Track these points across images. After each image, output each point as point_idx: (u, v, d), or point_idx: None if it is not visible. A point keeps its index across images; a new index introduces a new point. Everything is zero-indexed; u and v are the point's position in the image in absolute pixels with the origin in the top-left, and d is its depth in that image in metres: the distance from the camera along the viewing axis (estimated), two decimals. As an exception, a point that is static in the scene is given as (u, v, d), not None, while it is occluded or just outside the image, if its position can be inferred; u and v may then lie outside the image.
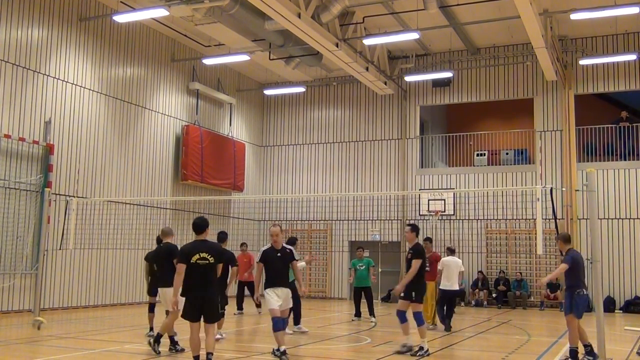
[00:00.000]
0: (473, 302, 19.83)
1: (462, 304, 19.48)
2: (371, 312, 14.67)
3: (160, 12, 15.69)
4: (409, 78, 20.84)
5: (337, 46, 16.88)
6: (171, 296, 9.19)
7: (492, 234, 20.48)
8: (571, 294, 8.97)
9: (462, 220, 20.54)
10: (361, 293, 14.97)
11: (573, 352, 8.92)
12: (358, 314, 14.93)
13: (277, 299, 8.77)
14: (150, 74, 19.23)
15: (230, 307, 12.98)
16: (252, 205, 23.09)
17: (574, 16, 16.29)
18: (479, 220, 20.29)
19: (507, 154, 22.03)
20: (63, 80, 16.28)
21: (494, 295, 19.72)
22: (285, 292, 8.91)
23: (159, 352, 9.05)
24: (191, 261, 7.55)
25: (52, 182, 15.41)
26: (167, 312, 9.45)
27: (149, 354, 9.05)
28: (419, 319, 9.56)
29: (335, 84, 23.44)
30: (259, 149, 24.38)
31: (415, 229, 9.96)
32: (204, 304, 7.58)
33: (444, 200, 20.80)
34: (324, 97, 23.85)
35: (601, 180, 19.09)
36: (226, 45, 19.66)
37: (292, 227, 22.49)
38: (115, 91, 17.94)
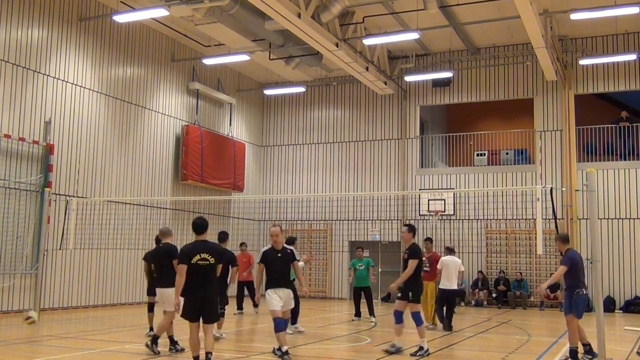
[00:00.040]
0: (473, 302, 19.84)
1: (462, 304, 19.48)
2: (371, 312, 14.67)
3: (160, 12, 15.69)
4: (409, 78, 20.84)
5: (337, 46, 16.88)
6: (169, 296, 9.22)
7: (492, 234, 20.48)
8: (571, 294, 8.97)
9: (462, 220, 20.54)
10: (361, 293, 14.99)
11: (573, 352, 8.92)
12: (358, 314, 14.94)
13: (278, 299, 8.75)
14: (150, 74, 19.23)
15: (230, 307, 12.97)
16: (252, 205, 23.10)
17: (574, 16, 16.29)
18: (479, 220, 20.29)
19: (507, 154, 22.04)
20: (63, 80, 16.28)
21: (494, 295, 19.72)
22: (287, 293, 8.89)
23: (159, 352, 9.06)
24: (192, 262, 7.55)
25: (52, 182, 15.41)
26: (165, 312, 9.44)
27: (149, 354, 9.05)
28: (417, 319, 9.57)
29: (335, 84, 23.44)
30: (259, 149, 24.38)
31: (412, 229, 9.95)
32: (204, 304, 7.57)
33: (444, 200, 20.81)
34: (324, 97, 23.85)
35: (601, 180, 19.09)
36: (226, 45, 19.66)
37: (292, 227, 22.50)
38: (115, 91, 17.94)
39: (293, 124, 24.18)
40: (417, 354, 9.32)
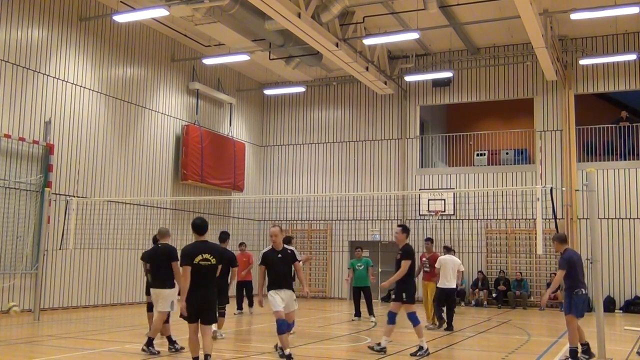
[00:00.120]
0: (473, 302, 19.83)
1: (462, 303, 19.48)
2: (371, 312, 14.66)
3: (160, 12, 15.69)
4: (409, 78, 20.84)
5: (337, 46, 16.88)
6: (165, 297, 9.22)
7: (492, 234, 20.47)
8: (570, 294, 8.95)
9: (462, 220, 20.53)
10: (360, 293, 14.98)
11: (573, 352, 8.92)
12: (358, 313, 14.94)
13: (280, 301, 8.72)
14: (150, 74, 19.23)
15: (230, 307, 12.97)
16: (252, 205, 23.09)
17: (574, 16, 16.29)
18: (479, 220, 20.29)
19: (507, 153, 22.03)
20: (63, 80, 16.28)
21: (494, 295, 19.71)
22: (289, 294, 8.82)
23: (158, 352, 9.05)
24: (194, 262, 7.53)
25: (52, 182, 15.40)
26: (158, 312, 9.40)
27: (149, 354, 9.05)
28: (413, 319, 9.56)
29: (335, 84, 23.44)
30: (259, 149, 24.38)
31: (405, 229, 9.91)
32: (203, 304, 7.55)
33: (444, 200, 20.80)
34: (324, 97, 23.85)
35: (601, 180, 19.09)
36: (226, 45, 19.65)
37: (292, 227, 22.50)
38: (115, 91, 17.94)
39: (293, 124, 24.18)
40: (417, 354, 9.32)
